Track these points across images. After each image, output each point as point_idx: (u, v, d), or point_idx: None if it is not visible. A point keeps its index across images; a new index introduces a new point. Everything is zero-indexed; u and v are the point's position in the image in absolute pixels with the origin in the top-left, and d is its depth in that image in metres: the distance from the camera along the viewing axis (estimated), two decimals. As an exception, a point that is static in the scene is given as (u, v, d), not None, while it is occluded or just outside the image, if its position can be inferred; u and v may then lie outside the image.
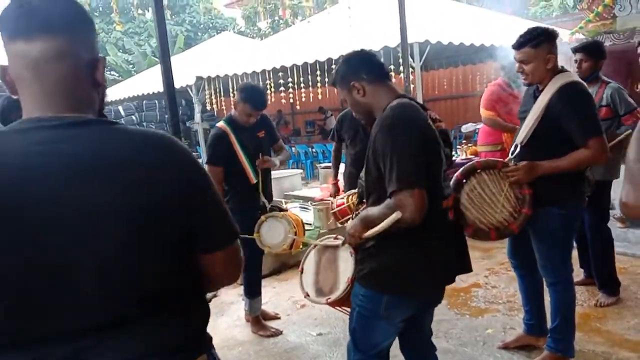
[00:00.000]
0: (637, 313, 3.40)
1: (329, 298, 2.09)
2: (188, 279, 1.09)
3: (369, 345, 1.99)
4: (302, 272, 2.27)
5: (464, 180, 2.41)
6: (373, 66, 1.96)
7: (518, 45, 2.52)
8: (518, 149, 2.59)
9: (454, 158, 5.84)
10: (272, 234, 3.39)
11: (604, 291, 3.60)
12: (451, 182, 2.44)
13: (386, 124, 1.77)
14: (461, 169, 2.46)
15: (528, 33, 2.50)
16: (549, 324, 2.80)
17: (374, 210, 1.82)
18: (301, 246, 3.52)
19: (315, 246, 2.30)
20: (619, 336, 3.11)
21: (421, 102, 1.99)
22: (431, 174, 1.80)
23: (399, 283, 1.86)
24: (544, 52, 2.47)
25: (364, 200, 2.01)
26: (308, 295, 2.19)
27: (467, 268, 2.03)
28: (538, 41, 2.47)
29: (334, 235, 2.29)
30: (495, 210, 2.39)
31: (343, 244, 2.06)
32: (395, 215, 1.68)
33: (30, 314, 0.95)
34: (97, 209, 0.93)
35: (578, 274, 3.96)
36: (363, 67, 1.95)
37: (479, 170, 2.45)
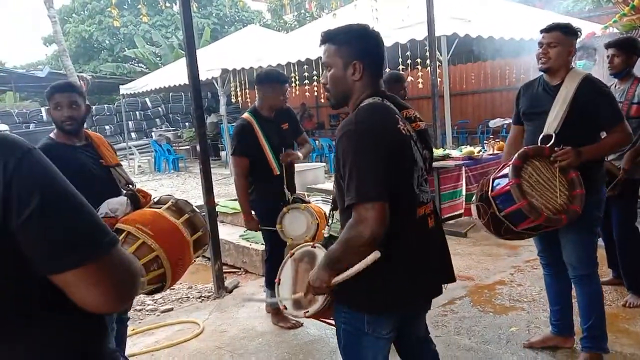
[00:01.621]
0: (667, 315, 3.31)
1: (307, 311, 1.93)
2: (37, 299, 0.90)
3: None
4: (278, 283, 2.10)
5: (521, 167, 2.49)
6: (381, 58, 1.78)
7: (550, 29, 2.64)
8: (553, 139, 2.56)
9: (481, 153, 5.76)
10: (294, 226, 3.40)
11: (632, 291, 3.52)
12: (509, 168, 2.46)
13: (349, 130, 1.63)
14: (516, 155, 2.50)
15: (561, 22, 2.69)
16: (576, 324, 2.74)
17: (335, 249, 1.66)
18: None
19: (291, 255, 2.11)
20: (648, 338, 3.03)
21: (402, 101, 1.86)
22: (401, 182, 1.67)
23: (377, 302, 1.73)
24: (570, 40, 2.63)
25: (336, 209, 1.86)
26: (285, 308, 2.04)
27: (450, 277, 1.92)
28: (568, 30, 2.63)
29: (311, 244, 2.12)
30: (555, 194, 2.48)
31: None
32: (374, 256, 1.55)
33: None
34: None
35: (606, 273, 3.87)
36: (376, 53, 1.75)
37: (531, 157, 2.52)
